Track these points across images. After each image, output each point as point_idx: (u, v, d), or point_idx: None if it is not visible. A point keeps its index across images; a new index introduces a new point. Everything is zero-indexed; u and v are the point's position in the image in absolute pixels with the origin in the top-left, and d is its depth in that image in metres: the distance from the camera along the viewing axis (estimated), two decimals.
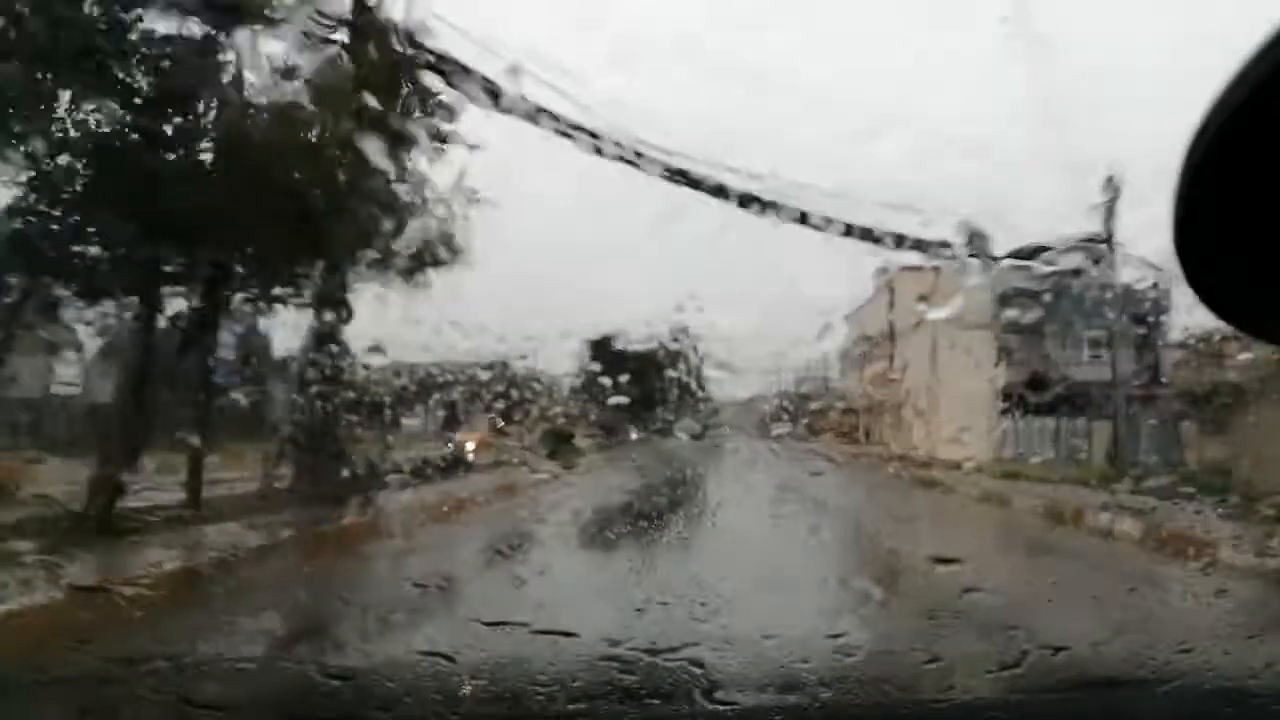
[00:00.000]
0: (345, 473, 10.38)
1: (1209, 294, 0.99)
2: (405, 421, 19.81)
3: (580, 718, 2.43)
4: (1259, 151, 0.85)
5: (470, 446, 17.86)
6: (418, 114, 10.02)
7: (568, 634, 3.05)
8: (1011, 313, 18.25)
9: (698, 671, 2.53)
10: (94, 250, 8.86)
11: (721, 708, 2.36)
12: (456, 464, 14.92)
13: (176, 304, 9.62)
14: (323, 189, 8.58)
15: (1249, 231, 0.92)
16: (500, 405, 14.25)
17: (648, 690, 2.46)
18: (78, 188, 8.48)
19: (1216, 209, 0.91)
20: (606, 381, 15.81)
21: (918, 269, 19.23)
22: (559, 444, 18.56)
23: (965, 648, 3.65)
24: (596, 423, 20.82)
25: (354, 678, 2.49)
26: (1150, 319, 20.08)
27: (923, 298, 17.53)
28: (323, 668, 2.58)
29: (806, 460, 19.13)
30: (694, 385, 16.80)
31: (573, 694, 2.48)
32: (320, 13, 9.60)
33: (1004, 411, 20.62)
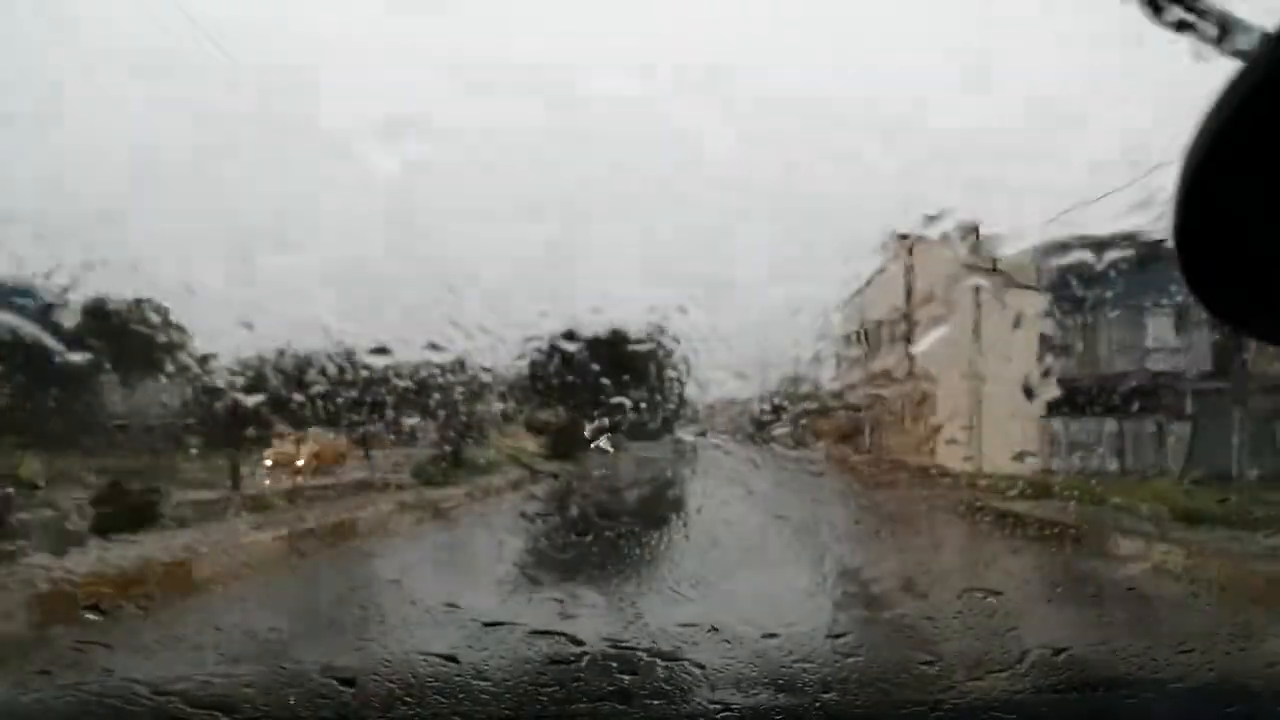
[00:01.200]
0: None
1: (1209, 295, 1.00)
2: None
3: (581, 718, 2.43)
4: (1259, 153, 0.86)
5: (301, 463, 13.30)
6: None
7: (570, 638, 3.05)
8: (1064, 288, 14.39)
9: (698, 671, 2.54)
10: None
11: (721, 708, 2.37)
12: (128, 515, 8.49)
13: None
14: None
15: (1248, 233, 0.93)
16: (401, 411, 10.73)
17: (648, 690, 2.46)
18: None
19: (1216, 210, 0.92)
20: (563, 382, 13.39)
21: (939, 239, 16.60)
22: (440, 464, 13.47)
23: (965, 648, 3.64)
24: (549, 430, 17.50)
25: (355, 679, 2.49)
26: None
27: (954, 270, 14.04)
28: (324, 669, 2.58)
29: (807, 479, 13.89)
30: (674, 387, 15.56)
31: (574, 694, 2.49)
32: None
33: (1053, 412, 16.44)
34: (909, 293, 19.78)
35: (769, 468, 14.15)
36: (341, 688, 2.42)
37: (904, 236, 18.53)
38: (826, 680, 2.57)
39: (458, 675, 2.58)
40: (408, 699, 2.40)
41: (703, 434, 19.12)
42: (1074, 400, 15.75)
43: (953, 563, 8.54)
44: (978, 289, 13.75)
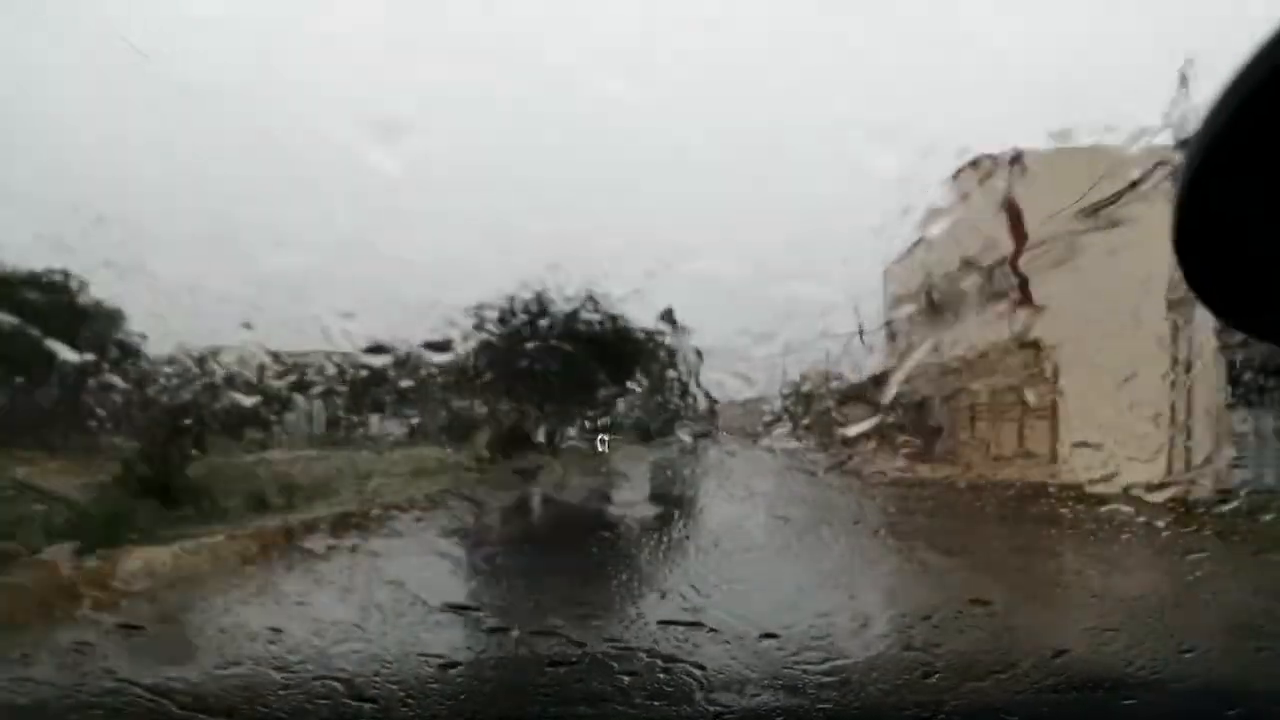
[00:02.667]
0: None
1: (1209, 295, 1.00)
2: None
3: (581, 719, 2.43)
4: (1258, 153, 0.86)
5: None
6: None
7: (570, 638, 3.04)
8: None
9: (698, 673, 2.54)
10: None
11: (721, 709, 2.36)
12: None
13: None
14: None
15: (1248, 233, 0.93)
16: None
17: (648, 691, 2.46)
18: None
19: (1216, 211, 0.92)
20: (539, 376, 11.59)
21: (1046, 161, 11.26)
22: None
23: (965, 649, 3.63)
24: (504, 433, 14.09)
25: (353, 681, 2.48)
26: None
27: (1074, 199, 9.47)
28: (320, 672, 2.57)
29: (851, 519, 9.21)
30: (674, 387, 13.35)
31: (574, 695, 2.49)
32: None
33: (1236, 400, 11.61)
34: (1013, 229, 13.67)
35: (789, 488, 11.31)
36: (340, 690, 2.41)
37: (991, 158, 13.20)
38: (826, 680, 2.57)
39: (459, 677, 2.57)
40: (408, 700, 2.39)
41: (704, 435, 18.29)
42: (1264, 384, 10.86)
43: None
44: (1133, 218, 9.31)
